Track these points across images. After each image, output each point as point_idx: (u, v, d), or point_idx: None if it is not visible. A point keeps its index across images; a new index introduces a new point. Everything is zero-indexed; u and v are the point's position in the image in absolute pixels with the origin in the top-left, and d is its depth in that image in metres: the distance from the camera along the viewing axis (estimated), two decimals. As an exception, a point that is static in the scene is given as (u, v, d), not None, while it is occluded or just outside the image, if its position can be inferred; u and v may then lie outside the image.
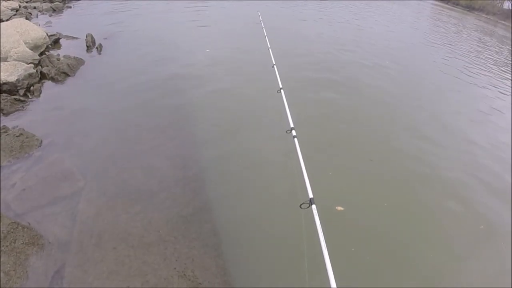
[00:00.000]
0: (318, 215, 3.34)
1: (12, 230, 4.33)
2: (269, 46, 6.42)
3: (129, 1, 15.90)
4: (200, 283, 4.14)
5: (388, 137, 7.58)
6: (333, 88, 9.69)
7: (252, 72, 9.10)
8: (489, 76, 15.11)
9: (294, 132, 4.25)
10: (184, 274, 4.20)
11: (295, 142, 4.11)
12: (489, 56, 19.20)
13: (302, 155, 4.11)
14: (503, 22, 35.77)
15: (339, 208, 5.51)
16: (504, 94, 13.13)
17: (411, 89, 11.01)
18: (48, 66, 8.55)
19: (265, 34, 7.18)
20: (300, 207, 3.51)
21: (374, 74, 11.51)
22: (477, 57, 17.81)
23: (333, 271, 2.75)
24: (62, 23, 12.50)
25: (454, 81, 13.22)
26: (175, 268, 4.25)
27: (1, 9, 11.60)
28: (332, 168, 6.24)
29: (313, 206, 3.41)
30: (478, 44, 22.38)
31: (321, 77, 10.36)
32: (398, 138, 7.65)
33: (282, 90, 5.40)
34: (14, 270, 3.96)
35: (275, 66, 5.71)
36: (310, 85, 9.33)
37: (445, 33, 22.89)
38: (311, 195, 3.63)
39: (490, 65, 17.06)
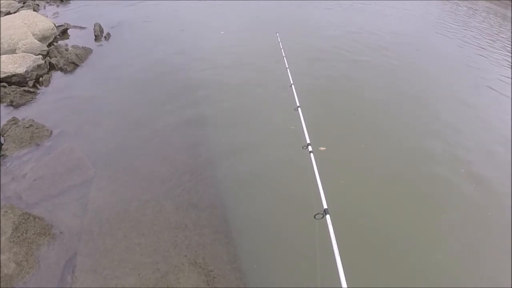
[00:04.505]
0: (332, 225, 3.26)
1: (23, 221, 4.35)
2: (287, 66, 6.17)
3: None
4: (211, 270, 4.13)
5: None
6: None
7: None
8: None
9: (310, 148, 4.15)
10: (195, 262, 4.18)
11: (311, 157, 4.01)
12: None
13: (317, 169, 4.00)
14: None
15: (322, 148, 5.85)
16: None
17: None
18: (57, 57, 8.56)
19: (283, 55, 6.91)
20: (314, 218, 3.42)
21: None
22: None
23: (345, 275, 2.66)
24: (70, 13, 12.45)
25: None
26: (185, 256, 4.24)
27: (8, 2, 11.58)
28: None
29: (327, 217, 3.33)
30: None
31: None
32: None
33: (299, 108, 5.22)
34: (26, 261, 3.98)
35: (292, 86, 5.50)
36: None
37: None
38: (325, 206, 3.54)
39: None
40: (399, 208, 5.50)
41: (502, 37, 17.67)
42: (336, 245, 2.84)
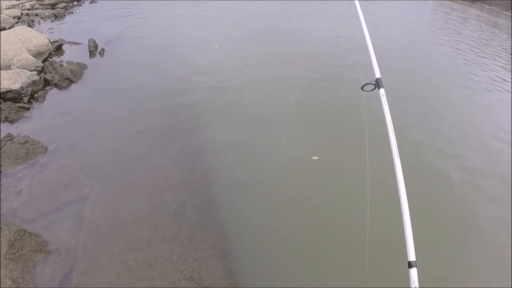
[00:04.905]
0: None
1: (19, 238, 4.35)
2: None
3: (130, 6, 15.89)
4: (207, 286, 4.14)
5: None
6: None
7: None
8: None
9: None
10: (191, 277, 4.19)
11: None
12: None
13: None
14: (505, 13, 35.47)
15: (315, 157, 6.05)
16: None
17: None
18: (52, 73, 8.59)
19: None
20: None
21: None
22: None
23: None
24: (65, 29, 12.54)
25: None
26: (182, 271, 4.25)
27: (3, 18, 11.66)
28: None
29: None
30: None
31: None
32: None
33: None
34: (21, 277, 3.97)
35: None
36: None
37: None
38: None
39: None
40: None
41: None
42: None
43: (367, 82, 2.90)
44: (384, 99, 2.80)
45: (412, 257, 2.25)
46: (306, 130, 7.36)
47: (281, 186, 5.88)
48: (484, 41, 18.94)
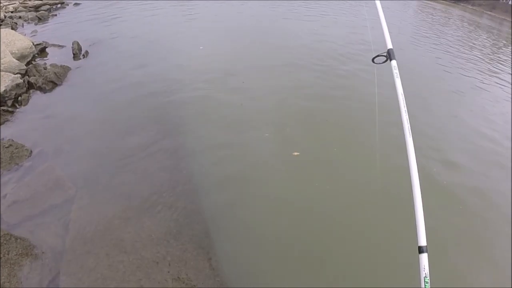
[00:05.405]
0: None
1: (5, 242, 4.36)
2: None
3: (114, 8, 15.83)
4: (194, 285, 4.19)
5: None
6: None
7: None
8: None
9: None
10: (178, 277, 4.24)
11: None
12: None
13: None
14: (489, 13, 36.03)
15: (296, 153, 6.19)
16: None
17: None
18: (35, 76, 8.55)
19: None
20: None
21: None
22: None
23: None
24: (48, 31, 12.46)
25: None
26: (168, 272, 4.29)
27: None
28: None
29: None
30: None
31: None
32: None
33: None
34: (8, 282, 3.98)
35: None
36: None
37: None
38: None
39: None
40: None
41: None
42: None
43: (378, 53, 2.74)
44: (396, 71, 2.64)
45: (423, 241, 2.12)
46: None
47: (264, 184, 6.00)
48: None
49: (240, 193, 5.79)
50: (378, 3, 3.16)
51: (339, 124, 8.01)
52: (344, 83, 10.27)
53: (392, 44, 2.73)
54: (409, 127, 2.40)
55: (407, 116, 2.42)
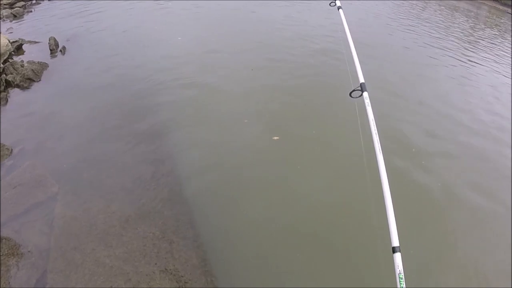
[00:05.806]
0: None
1: (-10, 243, 4.34)
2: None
3: (91, 3, 15.53)
4: (182, 276, 4.24)
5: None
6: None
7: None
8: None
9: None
10: (166, 269, 4.28)
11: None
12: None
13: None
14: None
15: (275, 137, 6.39)
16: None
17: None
18: (13, 74, 8.41)
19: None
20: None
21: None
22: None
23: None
24: (24, 28, 12.20)
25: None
26: (156, 264, 4.33)
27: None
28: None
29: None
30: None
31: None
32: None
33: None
34: (-5, 282, 3.98)
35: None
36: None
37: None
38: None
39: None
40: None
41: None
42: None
43: (354, 88, 3.40)
44: (367, 101, 3.23)
45: (395, 242, 2.39)
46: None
47: (245, 168, 6.10)
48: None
49: (222, 181, 5.85)
50: (351, 42, 4.00)
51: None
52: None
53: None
54: (380, 147, 2.86)
55: (378, 137, 2.91)
